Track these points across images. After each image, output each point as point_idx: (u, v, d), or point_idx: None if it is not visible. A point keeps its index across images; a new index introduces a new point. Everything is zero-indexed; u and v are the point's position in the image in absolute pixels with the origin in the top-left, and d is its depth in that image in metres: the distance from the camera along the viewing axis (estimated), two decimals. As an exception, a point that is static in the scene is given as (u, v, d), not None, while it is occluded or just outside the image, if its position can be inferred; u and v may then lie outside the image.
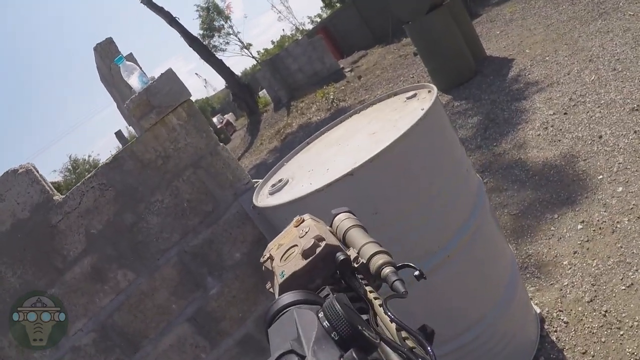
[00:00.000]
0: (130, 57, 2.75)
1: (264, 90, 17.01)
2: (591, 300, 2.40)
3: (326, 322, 0.50)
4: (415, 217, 1.62)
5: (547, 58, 6.14)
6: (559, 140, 4.10)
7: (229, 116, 28.01)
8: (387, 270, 0.65)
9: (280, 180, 1.93)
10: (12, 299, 2.06)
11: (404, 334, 0.57)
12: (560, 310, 2.45)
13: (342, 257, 0.67)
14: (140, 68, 2.68)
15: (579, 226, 2.97)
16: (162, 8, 15.41)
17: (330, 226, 0.78)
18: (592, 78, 4.84)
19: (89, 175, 2.05)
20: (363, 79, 11.86)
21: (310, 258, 0.66)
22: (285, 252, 0.71)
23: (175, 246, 2.15)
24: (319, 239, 0.68)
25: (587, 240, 2.82)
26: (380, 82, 10.65)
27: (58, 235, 2.08)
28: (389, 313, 0.58)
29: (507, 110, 5.33)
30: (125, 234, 2.11)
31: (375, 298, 0.63)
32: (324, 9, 29.16)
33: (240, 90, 16.68)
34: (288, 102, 13.94)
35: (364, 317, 0.58)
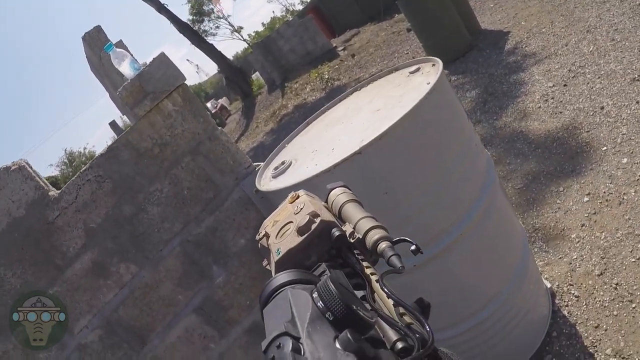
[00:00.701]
0: (120, 44, 2.65)
1: (257, 72, 16.80)
2: (601, 274, 2.37)
3: (320, 302, 0.49)
4: (427, 195, 1.57)
5: (543, 30, 6.03)
6: (560, 112, 4.04)
7: (223, 100, 27.71)
8: (383, 245, 0.64)
9: (282, 163, 1.87)
10: (13, 300, 2.01)
11: (401, 309, 0.56)
12: (570, 284, 2.42)
13: (337, 233, 0.66)
14: (132, 55, 2.58)
15: (585, 198, 2.93)
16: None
17: (326, 201, 0.77)
18: (591, 49, 4.76)
19: (84, 168, 1.99)
20: (357, 57, 11.69)
21: (306, 235, 0.65)
22: (281, 229, 0.70)
23: (177, 236, 2.10)
24: (314, 215, 0.67)
25: (594, 213, 2.78)
26: (375, 60, 10.51)
27: (56, 231, 2.02)
28: (386, 289, 0.57)
29: (505, 83, 5.25)
30: (126, 226, 2.05)
31: (372, 274, 0.62)
32: (313, -12, 28.66)
33: (233, 74, 16.48)
34: (282, 84, 13.77)
35: (361, 293, 0.58)
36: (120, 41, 2.70)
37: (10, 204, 1.97)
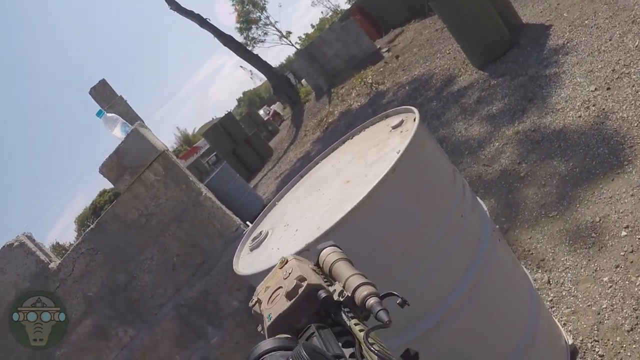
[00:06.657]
0: (121, 101, 2.72)
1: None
2: (631, 330, 2.11)
3: None
4: (401, 280, 1.44)
5: (586, 22, 5.55)
6: (602, 123, 3.69)
7: (276, 106, 27.98)
8: (371, 300, 0.67)
9: (260, 233, 1.82)
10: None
11: None
12: (595, 340, 2.17)
13: (324, 295, 0.70)
14: (133, 111, 2.64)
15: (623, 232, 2.62)
16: (191, 11, 15.47)
17: (317, 261, 0.80)
18: (637, 43, 4.31)
19: (77, 242, 2.06)
20: (400, 58, 11.40)
21: (294, 299, 0.70)
22: (272, 295, 0.74)
23: (170, 300, 2.13)
24: (301, 279, 0.71)
25: (632, 251, 2.47)
26: (418, 61, 10.19)
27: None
28: (368, 344, 0.60)
29: (545, 87, 4.89)
30: (121, 293, 2.11)
31: (361, 330, 0.65)
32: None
33: (280, 82, 16.63)
34: (329, 90, 13.72)
35: (350, 350, 0.63)
36: (121, 97, 2.77)
37: (16, 277, 2.08)
